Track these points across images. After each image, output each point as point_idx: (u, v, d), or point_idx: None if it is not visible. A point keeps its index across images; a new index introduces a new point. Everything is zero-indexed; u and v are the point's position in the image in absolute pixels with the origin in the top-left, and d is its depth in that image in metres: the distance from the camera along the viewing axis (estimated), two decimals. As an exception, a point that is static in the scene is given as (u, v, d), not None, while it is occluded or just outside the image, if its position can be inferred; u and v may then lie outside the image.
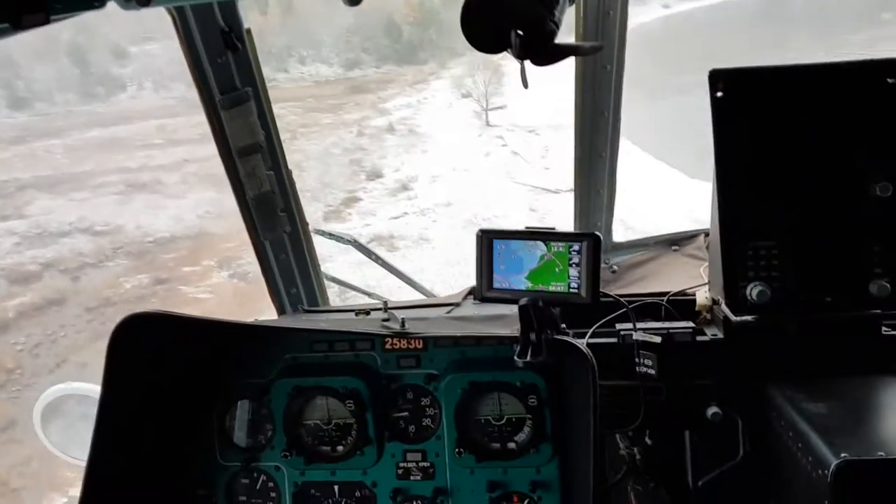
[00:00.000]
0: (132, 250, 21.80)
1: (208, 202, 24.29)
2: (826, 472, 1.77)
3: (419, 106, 35.74)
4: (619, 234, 3.74)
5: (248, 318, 2.86)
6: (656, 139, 22.10)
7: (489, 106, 33.01)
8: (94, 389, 3.19)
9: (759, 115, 2.26)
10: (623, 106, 3.16)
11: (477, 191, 23.08)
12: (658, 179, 20.25)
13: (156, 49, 41.87)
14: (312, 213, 20.27)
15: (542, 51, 2.10)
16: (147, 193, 26.70)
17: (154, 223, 23.48)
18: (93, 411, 2.35)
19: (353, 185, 25.15)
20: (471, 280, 2.75)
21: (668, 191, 19.15)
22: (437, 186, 23.93)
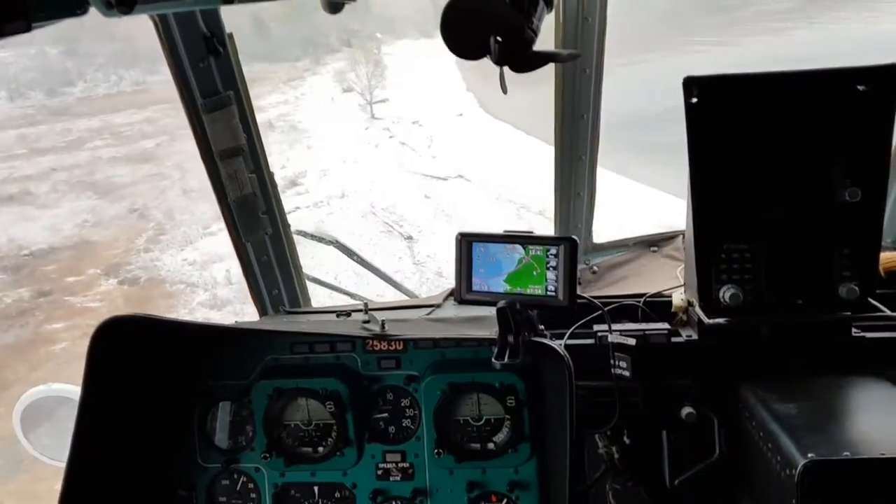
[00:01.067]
0: (8, 264, 21.05)
1: (86, 210, 23.88)
2: (794, 471, 1.81)
3: (297, 102, 35.72)
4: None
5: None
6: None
7: (373, 99, 33.60)
8: (74, 391, 3.19)
9: (732, 120, 2.29)
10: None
11: (370, 181, 23.30)
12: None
13: (8, 57, 40.64)
14: (203, 212, 20.67)
15: (521, 57, 2.13)
16: (17, 205, 25.85)
17: (28, 235, 22.75)
18: (73, 413, 2.36)
19: (239, 183, 25.03)
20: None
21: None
22: (328, 180, 23.92)
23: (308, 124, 30.97)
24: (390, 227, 19.44)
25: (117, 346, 2.36)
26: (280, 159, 25.08)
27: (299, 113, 33.36)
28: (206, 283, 17.69)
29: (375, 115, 32.61)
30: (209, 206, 19.95)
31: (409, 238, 18.62)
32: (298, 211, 20.30)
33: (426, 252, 17.61)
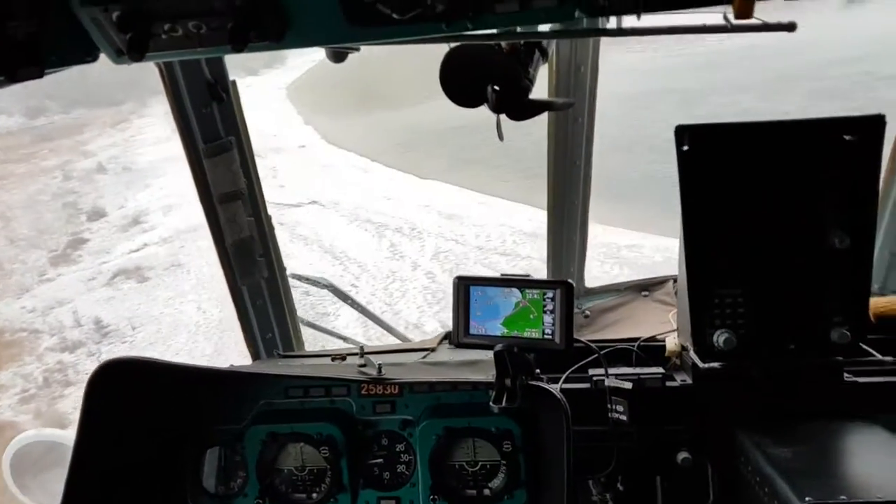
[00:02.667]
0: None
1: None
2: None
3: (127, 144, 34.65)
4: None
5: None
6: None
7: None
8: (63, 435, 3.15)
9: (723, 168, 2.34)
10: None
11: None
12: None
13: None
14: (35, 259, 20.00)
15: (518, 105, 2.19)
16: None
17: None
18: (63, 458, 2.34)
19: (74, 227, 23.93)
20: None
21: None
22: (173, 215, 23.31)
23: (142, 164, 30.04)
24: None
25: (114, 389, 2.35)
26: (118, 200, 25.01)
27: (131, 154, 32.50)
28: (52, 328, 16.94)
29: (211, 150, 33.01)
30: (42, 253, 19.98)
31: None
32: (147, 248, 20.22)
33: (289, 274, 17.61)
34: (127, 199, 25.53)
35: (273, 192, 23.79)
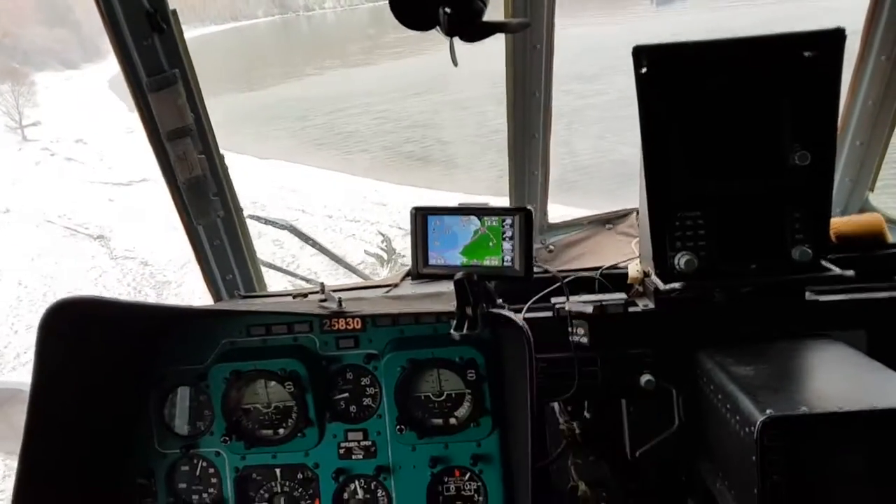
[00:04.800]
0: None
1: None
2: (752, 428, 1.85)
3: None
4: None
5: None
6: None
7: (24, 122, 35.72)
8: (24, 383, 3.10)
9: (681, 89, 2.32)
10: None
11: (42, 193, 24.15)
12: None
13: None
14: None
15: (471, 27, 2.13)
16: None
17: None
18: (21, 405, 2.28)
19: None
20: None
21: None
22: None
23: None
24: (73, 231, 20.16)
25: (68, 330, 2.28)
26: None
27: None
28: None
29: (28, 137, 34.62)
30: None
31: (101, 237, 19.38)
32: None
33: (123, 247, 18.41)
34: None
35: (100, 174, 25.83)
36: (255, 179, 19.97)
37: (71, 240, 19.60)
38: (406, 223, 2.56)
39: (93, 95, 40.25)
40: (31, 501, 2.25)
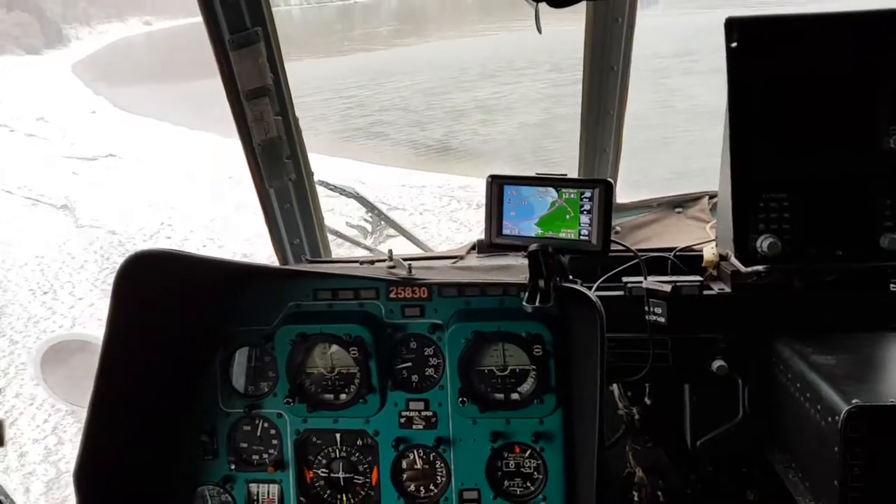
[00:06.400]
0: None
1: None
2: (837, 418, 1.78)
3: None
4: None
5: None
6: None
7: None
8: (91, 335, 3.18)
9: (774, 64, 2.23)
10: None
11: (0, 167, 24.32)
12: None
13: None
14: None
15: (558, -7, 2.07)
16: None
17: None
18: (92, 358, 2.33)
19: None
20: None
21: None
22: None
23: None
24: (35, 201, 20.25)
25: (143, 282, 2.32)
26: None
27: None
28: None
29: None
30: None
31: (65, 207, 19.45)
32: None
33: (90, 217, 18.38)
34: None
35: (63, 148, 26.05)
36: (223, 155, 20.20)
37: (32, 209, 19.86)
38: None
39: (55, 79, 41.25)
40: (99, 449, 2.31)
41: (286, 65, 2.87)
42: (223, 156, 19.21)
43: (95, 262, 15.17)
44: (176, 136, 25.58)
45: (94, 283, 14.14)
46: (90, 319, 12.13)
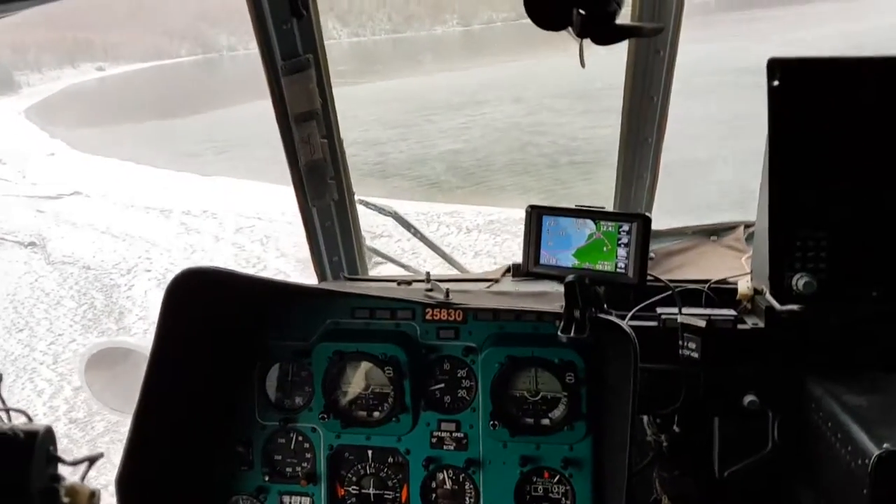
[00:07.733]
0: None
1: None
2: (867, 461, 1.78)
3: None
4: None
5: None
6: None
7: None
8: (135, 344, 3.28)
9: (815, 105, 2.24)
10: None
11: None
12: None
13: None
14: None
15: (604, 29, 2.11)
16: None
17: None
18: (135, 366, 2.41)
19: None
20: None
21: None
22: None
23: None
24: (1, 239, 20.09)
25: (191, 298, 2.41)
26: None
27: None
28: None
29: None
30: None
31: (32, 244, 19.33)
32: None
33: (61, 253, 18.22)
34: None
35: (24, 189, 25.97)
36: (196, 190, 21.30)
37: (-2, 248, 20.30)
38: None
39: (7, 124, 42.04)
40: (142, 456, 2.39)
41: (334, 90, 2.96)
42: (196, 192, 20.03)
43: (72, 298, 14.76)
44: (143, 174, 25.97)
45: (73, 318, 13.68)
46: (73, 356, 11.69)
